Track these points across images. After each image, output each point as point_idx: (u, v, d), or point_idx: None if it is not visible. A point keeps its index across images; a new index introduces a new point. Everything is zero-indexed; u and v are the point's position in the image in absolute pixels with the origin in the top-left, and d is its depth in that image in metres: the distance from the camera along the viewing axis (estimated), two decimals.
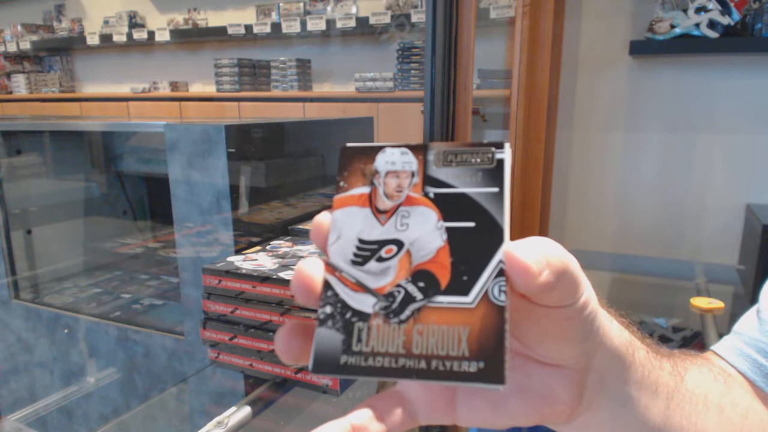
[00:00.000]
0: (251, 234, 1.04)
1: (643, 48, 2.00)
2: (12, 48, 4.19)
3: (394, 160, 0.26)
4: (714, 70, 2.02)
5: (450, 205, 0.25)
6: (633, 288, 1.63)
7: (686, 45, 1.93)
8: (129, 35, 3.65)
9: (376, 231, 0.26)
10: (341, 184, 0.27)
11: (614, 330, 0.30)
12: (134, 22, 3.74)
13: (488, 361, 0.23)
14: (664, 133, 2.13)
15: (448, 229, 0.25)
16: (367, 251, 0.25)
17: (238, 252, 0.98)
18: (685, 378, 0.36)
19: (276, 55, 3.23)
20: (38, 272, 1.54)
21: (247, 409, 0.77)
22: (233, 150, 0.98)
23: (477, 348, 0.23)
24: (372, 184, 0.26)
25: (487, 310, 0.23)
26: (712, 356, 0.47)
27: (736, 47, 1.92)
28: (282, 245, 0.98)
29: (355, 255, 0.25)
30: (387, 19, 2.78)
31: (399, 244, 0.25)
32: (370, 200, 0.26)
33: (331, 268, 0.25)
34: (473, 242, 0.24)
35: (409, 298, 0.24)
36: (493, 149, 0.26)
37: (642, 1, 2.06)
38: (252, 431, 0.76)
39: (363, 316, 0.24)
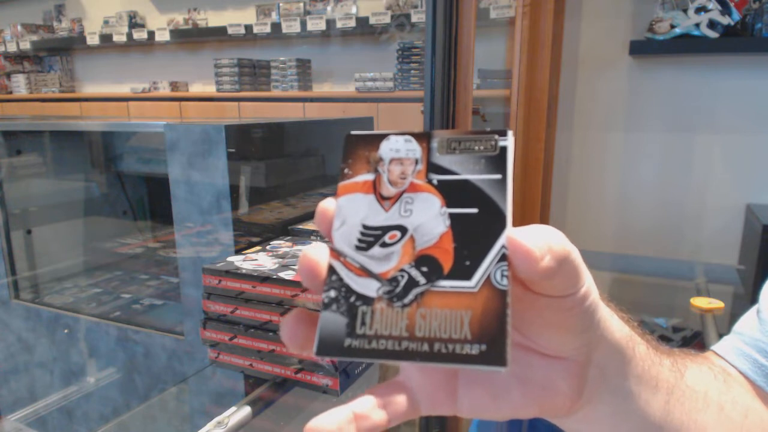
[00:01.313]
0: (251, 234, 1.04)
1: (643, 48, 2.00)
2: (12, 48, 4.19)
3: (398, 148, 0.27)
4: (714, 70, 2.02)
5: (453, 192, 0.26)
6: (633, 288, 1.62)
7: (686, 45, 1.93)
8: (129, 35, 3.65)
9: (380, 217, 0.26)
10: (346, 171, 0.27)
11: (615, 324, 0.30)
12: (134, 22, 3.74)
13: (490, 343, 0.23)
14: (664, 133, 2.13)
15: (452, 215, 0.25)
16: (371, 237, 0.26)
17: (238, 252, 0.98)
18: (685, 375, 0.36)
19: (276, 55, 3.23)
20: (38, 272, 1.54)
21: (247, 409, 0.77)
22: (233, 150, 0.98)
23: (479, 331, 0.23)
24: (376, 171, 0.27)
25: (490, 294, 0.23)
26: (712, 356, 0.47)
27: (736, 47, 1.92)
28: (282, 245, 0.98)
29: (360, 240, 0.26)
30: (387, 19, 2.78)
31: (402, 229, 0.26)
32: (375, 187, 0.26)
33: (335, 253, 0.26)
34: (476, 228, 0.25)
35: (412, 283, 0.25)
36: (497, 136, 0.26)
37: (642, 1, 2.06)
38: (252, 431, 0.76)
39: (367, 300, 0.25)
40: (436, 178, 0.26)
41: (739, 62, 1.99)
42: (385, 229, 0.26)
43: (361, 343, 0.24)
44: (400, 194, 0.26)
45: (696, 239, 2.12)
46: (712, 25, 1.86)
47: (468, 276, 0.24)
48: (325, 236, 0.26)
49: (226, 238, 1.01)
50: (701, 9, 1.87)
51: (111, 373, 1.28)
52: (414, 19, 2.70)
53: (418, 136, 0.27)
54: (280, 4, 3.15)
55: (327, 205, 0.26)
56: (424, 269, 0.25)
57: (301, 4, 3.11)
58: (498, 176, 0.25)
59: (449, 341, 0.23)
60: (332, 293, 0.25)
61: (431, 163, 0.26)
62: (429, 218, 0.25)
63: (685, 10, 1.89)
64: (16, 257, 1.47)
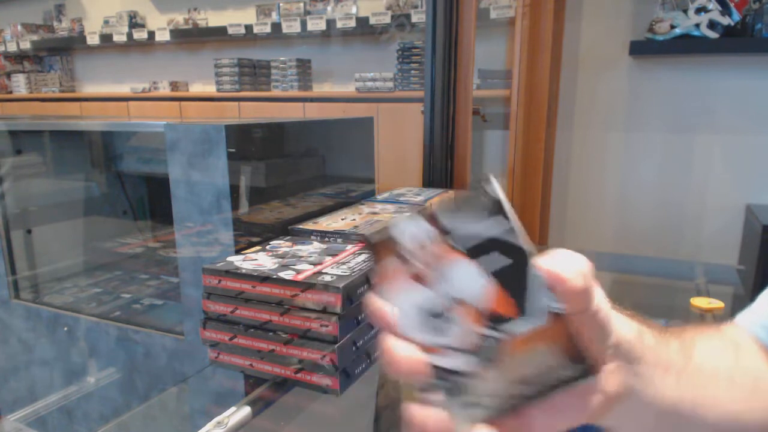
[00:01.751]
0: (251, 234, 1.04)
1: (643, 48, 2.00)
2: (12, 48, 4.19)
3: (412, 231, 0.28)
4: (714, 71, 2.02)
5: (476, 249, 0.28)
6: (633, 288, 1.62)
7: (686, 45, 1.93)
8: (129, 35, 3.65)
9: (428, 296, 0.28)
10: (378, 268, 0.29)
11: (624, 322, 0.33)
12: (134, 22, 3.74)
13: (579, 360, 0.26)
14: (664, 133, 2.13)
15: (487, 269, 0.27)
16: (432, 316, 0.28)
17: (238, 252, 0.97)
18: (693, 353, 0.38)
19: (276, 55, 3.23)
20: (38, 272, 1.54)
21: (247, 409, 0.77)
22: (233, 150, 0.98)
23: (566, 354, 0.26)
24: (404, 258, 0.28)
25: (555, 321, 0.27)
26: (728, 327, 0.49)
27: (736, 47, 1.92)
28: (282, 245, 0.98)
29: (423, 323, 0.28)
30: (387, 19, 2.78)
31: (454, 298, 0.28)
32: (409, 271, 0.28)
33: (411, 342, 0.28)
34: (512, 272, 0.27)
35: (491, 341, 0.27)
36: (485, 188, 0.28)
37: (642, 1, 2.06)
38: (252, 431, 0.76)
39: (464, 373, 0.27)
40: (456, 242, 0.28)
41: (739, 62, 1.99)
42: (440, 305, 0.28)
43: (479, 410, 0.27)
44: (434, 269, 0.28)
45: (696, 239, 2.12)
46: (712, 25, 1.86)
47: (531, 314, 0.27)
48: (385, 330, 0.28)
49: (226, 238, 1.01)
50: (701, 9, 1.87)
51: (111, 373, 1.28)
52: (414, 19, 2.70)
53: (423, 214, 0.29)
54: (280, 4, 3.15)
55: (377, 304, 0.28)
56: (494, 325, 0.27)
57: (301, 4, 3.11)
58: (505, 221, 0.27)
59: (547, 373, 0.26)
60: (435, 381, 0.27)
61: (444, 231, 0.28)
62: (469, 279, 0.27)
63: (685, 11, 1.89)
64: (16, 257, 1.47)
